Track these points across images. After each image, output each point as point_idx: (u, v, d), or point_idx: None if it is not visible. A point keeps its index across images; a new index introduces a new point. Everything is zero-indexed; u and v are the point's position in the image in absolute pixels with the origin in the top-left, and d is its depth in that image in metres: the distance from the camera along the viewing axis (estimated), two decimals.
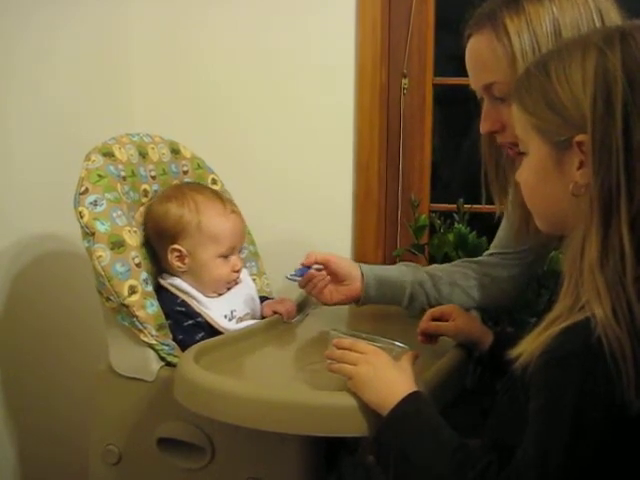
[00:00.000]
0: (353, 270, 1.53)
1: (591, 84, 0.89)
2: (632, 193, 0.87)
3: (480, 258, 1.57)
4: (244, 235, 1.58)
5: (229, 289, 1.52)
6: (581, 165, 0.91)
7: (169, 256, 1.48)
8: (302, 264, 1.51)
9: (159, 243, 1.49)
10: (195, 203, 1.48)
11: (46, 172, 1.72)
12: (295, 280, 1.53)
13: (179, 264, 1.48)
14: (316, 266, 1.51)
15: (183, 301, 1.45)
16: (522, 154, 1.01)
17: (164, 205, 1.49)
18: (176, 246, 1.47)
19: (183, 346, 1.37)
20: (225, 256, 1.49)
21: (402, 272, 1.54)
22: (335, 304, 1.54)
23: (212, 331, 1.43)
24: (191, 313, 1.44)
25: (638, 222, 0.87)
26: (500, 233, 1.54)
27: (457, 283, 1.53)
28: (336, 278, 1.52)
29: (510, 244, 1.50)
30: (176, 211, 1.47)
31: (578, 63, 0.91)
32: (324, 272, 1.52)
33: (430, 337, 1.35)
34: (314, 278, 1.52)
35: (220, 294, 1.50)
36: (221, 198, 1.53)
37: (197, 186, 1.57)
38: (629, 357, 0.82)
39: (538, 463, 0.86)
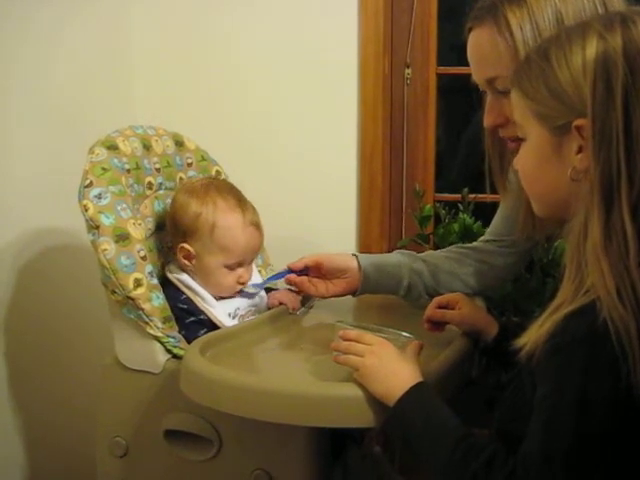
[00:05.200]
0: (349, 263, 1.51)
1: (591, 69, 0.89)
2: (632, 177, 0.87)
3: (476, 244, 1.56)
4: (258, 249, 1.55)
5: (232, 297, 1.50)
6: (580, 150, 0.91)
7: (178, 253, 1.47)
8: (289, 267, 1.50)
9: (173, 234, 1.49)
10: (215, 207, 1.45)
11: (51, 166, 1.72)
12: (257, 288, 1.53)
13: (186, 262, 1.47)
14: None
15: (187, 298, 1.45)
16: (520, 140, 1.01)
17: (187, 198, 1.47)
18: (185, 245, 1.46)
19: (185, 341, 1.38)
20: (232, 267, 1.48)
21: (399, 262, 1.52)
22: (332, 297, 1.53)
23: (214, 328, 1.42)
24: (193, 310, 1.44)
25: (639, 206, 0.87)
26: (497, 220, 1.53)
27: (454, 271, 1.52)
28: (333, 274, 1.51)
29: (507, 231, 1.48)
30: (196, 208, 1.45)
31: (579, 48, 0.91)
32: (303, 277, 1.50)
33: (436, 325, 1.35)
34: (297, 284, 1.51)
35: (223, 298, 1.49)
36: (243, 208, 1.48)
37: (224, 189, 1.51)
38: (634, 338, 0.82)
39: (544, 448, 0.86)
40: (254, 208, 1.53)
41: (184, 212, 1.46)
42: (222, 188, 1.51)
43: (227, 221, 1.46)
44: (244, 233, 1.47)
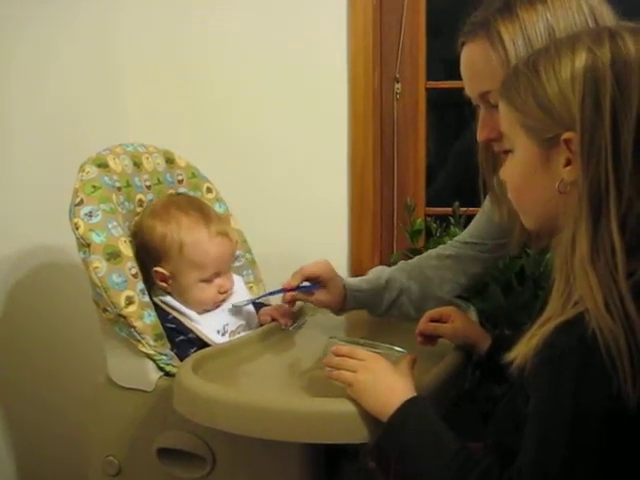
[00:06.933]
0: (339, 297, 1.51)
1: (580, 82, 0.89)
2: (621, 190, 0.87)
3: (459, 251, 1.54)
4: (231, 257, 1.54)
5: (218, 306, 1.50)
6: (568, 162, 0.91)
7: (154, 277, 1.46)
8: (289, 286, 1.48)
9: (146, 259, 1.47)
10: (178, 225, 1.44)
11: (43, 183, 1.73)
12: (239, 306, 1.52)
13: (163, 284, 1.46)
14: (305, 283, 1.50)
15: (174, 318, 1.44)
16: (508, 151, 1.01)
17: (151, 221, 1.46)
18: (159, 269, 1.45)
19: (177, 359, 1.37)
20: (209, 280, 1.47)
21: (380, 293, 1.53)
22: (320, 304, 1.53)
23: (204, 346, 1.41)
24: (182, 330, 1.43)
25: (627, 218, 0.87)
26: (480, 222, 1.52)
27: (436, 295, 1.53)
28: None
29: (489, 235, 1.49)
30: (160, 230, 1.44)
31: (567, 61, 0.91)
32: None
33: (428, 338, 1.35)
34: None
35: (209, 311, 1.49)
36: (207, 220, 1.47)
37: (184, 204, 1.50)
38: (624, 350, 0.82)
39: (539, 460, 0.86)
40: (219, 217, 1.53)
41: (150, 236, 1.45)
42: (182, 204, 1.50)
43: (193, 237, 1.44)
44: (213, 244, 1.46)
